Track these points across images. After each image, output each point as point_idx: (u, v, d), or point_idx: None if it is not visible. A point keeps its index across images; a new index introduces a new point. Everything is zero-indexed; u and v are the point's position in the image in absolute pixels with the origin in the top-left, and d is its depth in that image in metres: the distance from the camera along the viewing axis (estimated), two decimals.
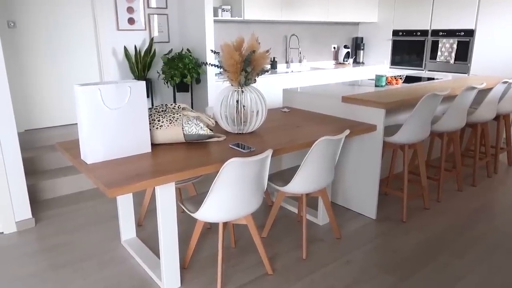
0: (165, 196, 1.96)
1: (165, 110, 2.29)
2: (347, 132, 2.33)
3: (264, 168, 2.03)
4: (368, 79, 4.09)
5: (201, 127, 2.21)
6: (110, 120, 1.92)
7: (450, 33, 5.13)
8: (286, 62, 5.47)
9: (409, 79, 4.06)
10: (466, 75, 5.03)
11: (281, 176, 2.55)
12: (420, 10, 5.37)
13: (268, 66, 2.37)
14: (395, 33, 5.74)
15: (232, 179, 1.87)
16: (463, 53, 5.03)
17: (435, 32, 5.27)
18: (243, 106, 2.45)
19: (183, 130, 2.18)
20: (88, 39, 3.92)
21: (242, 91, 2.43)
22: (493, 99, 3.42)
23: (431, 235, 2.72)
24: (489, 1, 4.70)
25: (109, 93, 1.90)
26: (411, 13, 5.48)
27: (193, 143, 2.24)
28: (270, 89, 4.57)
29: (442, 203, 3.22)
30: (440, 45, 5.23)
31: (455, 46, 5.08)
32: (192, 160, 1.95)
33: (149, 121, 2.17)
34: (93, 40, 3.94)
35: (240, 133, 2.46)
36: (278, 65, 5.34)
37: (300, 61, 5.63)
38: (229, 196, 1.92)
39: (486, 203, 3.24)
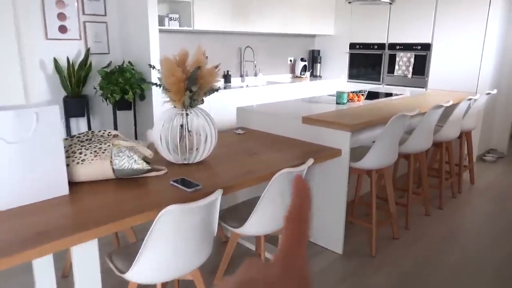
0: (83, 258, 1.52)
1: (91, 139, 1.85)
2: (310, 162, 2.01)
3: (213, 213, 1.65)
4: (328, 95, 3.83)
5: (135, 160, 1.79)
6: (6, 158, 1.46)
7: (407, 47, 5.03)
8: (241, 76, 5.14)
9: (369, 95, 3.85)
10: (424, 89, 4.94)
11: (236, 212, 2.17)
12: (377, 23, 5.25)
13: (218, 85, 1.98)
14: (352, 46, 5.59)
15: (170, 230, 1.47)
16: (421, 67, 4.94)
17: (392, 46, 5.17)
18: (189, 131, 2.06)
19: (112, 164, 1.75)
20: (8, 50, 3.36)
21: (187, 114, 2.04)
22: (458, 116, 3.26)
23: (404, 270, 2.44)
24: (445, 14, 4.64)
25: (5, 123, 1.45)
26: (368, 26, 5.35)
27: (126, 179, 1.82)
28: (223, 106, 4.20)
29: (411, 231, 2.98)
30: (397, 58, 5.12)
31: (412, 60, 4.98)
32: (121, 205, 1.53)
33: (68, 155, 1.72)
34: (15, 51, 3.39)
35: (185, 164, 2.06)
36: (232, 79, 5.00)
37: (255, 75, 5.32)
38: (169, 251, 1.52)
39: (455, 229, 3.04)
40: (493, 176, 4.23)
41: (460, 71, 4.61)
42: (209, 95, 2.08)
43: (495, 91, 3.61)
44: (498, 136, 5.09)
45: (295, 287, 0.29)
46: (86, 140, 1.83)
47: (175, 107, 2.04)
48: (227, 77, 4.87)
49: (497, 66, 4.69)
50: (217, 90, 2.10)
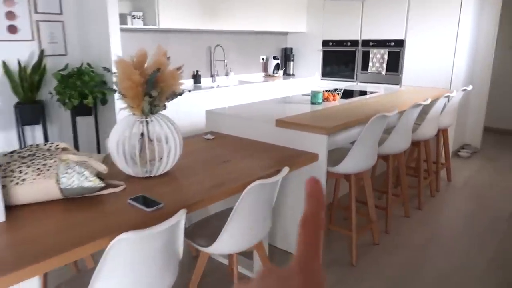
0: None
1: (34, 155, 1.61)
2: (285, 171, 1.83)
3: (176, 235, 1.45)
4: (302, 95, 3.68)
5: (86, 177, 1.57)
6: None
7: (380, 43, 4.95)
8: (211, 76, 4.93)
9: (343, 94, 3.73)
10: (398, 86, 4.87)
11: (206, 227, 1.97)
12: (350, 20, 5.15)
13: (183, 88, 1.77)
14: (325, 43, 5.47)
15: (127, 260, 1.27)
16: (394, 63, 4.87)
17: (366, 42, 5.07)
18: (150, 140, 1.85)
19: (58, 183, 1.52)
20: None
21: (147, 122, 1.83)
22: (435, 114, 3.17)
23: (388, 279, 2.31)
24: (418, 10, 4.57)
25: None
26: (341, 23, 5.24)
27: (77, 199, 1.59)
28: (192, 108, 3.99)
29: (391, 236, 2.86)
30: (371, 55, 5.03)
31: (386, 56, 4.90)
32: (69, 232, 1.32)
33: (5, 174, 1.49)
34: None
35: (147, 177, 1.85)
36: (203, 80, 4.78)
37: (226, 74, 5.12)
38: (126, 281, 1.31)
39: (436, 231, 2.94)
40: (469, 173, 4.19)
41: (433, 67, 4.56)
42: (171, 100, 1.87)
43: (470, 87, 3.56)
44: (471, 131, 5.09)
45: None
46: (29, 155, 1.60)
47: (134, 114, 1.83)
48: (196, 78, 4.65)
49: (470, 61, 4.67)
50: (180, 94, 1.89)
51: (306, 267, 0.30)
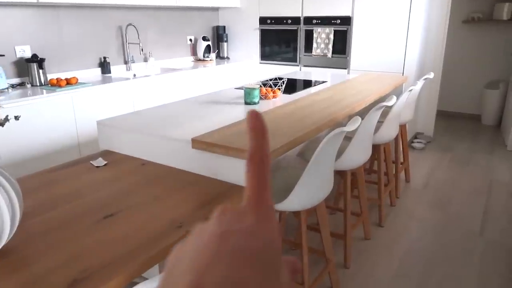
0: None
1: None
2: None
3: None
4: (235, 88, 2.93)
5: None
6: None
7: (325, 21, 4.28)
8: (125, 63, 4.00)
9: (285, 85, 3.03)
10: (346, 71, 4.27)
11: None
12: None
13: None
14: (263, 21, 4.71)
15: None
16: (341, 44, 4.24)
17: (308, 20, 4.39)
18: None
19: None
20: None
21: None
22: (397, 113, 2.57)
23: None
24: None
25: None
26: None
27: None
28: (101, 107, 3.08)
29: (352, 270, 2.26)
30: (315, 35, 4.36)
31: (331, 36, 4.26)
32: None
33: None
34: None
35: None
36: (113, 68, 3.84)
37: (145, 60, 4.21)
38: None
39: (402, 256, 2.39)
40: (426, 170, 3.73)
41: (384, 48, 3.99)
42: None
43: (432, 75, 3.01)
44: (423, 119, 4.65)
45: (271, 231, 0.29)
46: None
47: None
48: (104, 66, 3.70)
49: (423, 42, 4.16)
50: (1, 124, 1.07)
51: (258, 203, 0.31)
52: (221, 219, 0.29)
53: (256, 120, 0.33)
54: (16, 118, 1.12)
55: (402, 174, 3.50)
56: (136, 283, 0.91)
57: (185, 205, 1.38)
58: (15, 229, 1.11)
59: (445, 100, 5.83)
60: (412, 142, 4.37)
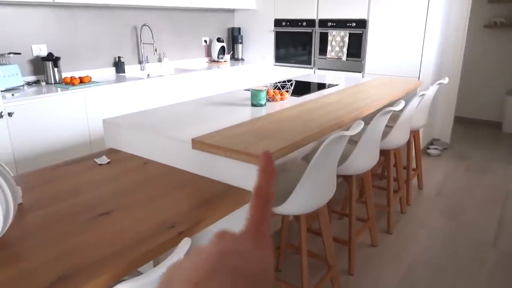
0: None
1: None
2: (186, 243, 1.08)
3: None
4: (244, 90, 2.92)
5: None
6: None
7: (340, 24, 4.24)
8: (140, 63, 4.05)
9: (297, 87, 3.00)
10: (361, 74, 4.21)
11: None
12: None
13: None
14: (278, 23, 4.69)
15: None
16: (356, 48, 4.18)
17: (323, 23, 4.35)
18: None
19: None
20: None
21: None
22: (407, 117, 2.51)
23: None
24: None
25: None
26: None
27: None
28: (114, 106, 3.13)
29: (355, 277, 2.21)
30: (330, 38, 4.32)
31: (346, 39, 4.21)
32: None
33: None
34: None
35: None
36: (128, 68, 3.89)
37: (159, 61, 4.25)
38: None
39: (409, 264, 2.33)
40: (441, 178, 3.63)
41: (400, 52, 3.91)
42: None
43: (446, 80, 2.93)
44: (441, 124, 4.54)
45: (266, 259, 0.31)
46: None
47: None
48: (119, 66, 3.76)
49: (441, 46, 4.06)
50: None
51: (256, 231, 0.33)
52: (220, 241, 0.31)
53: (268, 162, 0.36)
54: (10, 114, 1.14)
55: (414, 181, 3.42)
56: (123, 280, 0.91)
57: (180, 206, 1.38)
58: (8, 225, 1.12)
59: (464, 106, 5.68)
60: (428, 148, 4.27)
